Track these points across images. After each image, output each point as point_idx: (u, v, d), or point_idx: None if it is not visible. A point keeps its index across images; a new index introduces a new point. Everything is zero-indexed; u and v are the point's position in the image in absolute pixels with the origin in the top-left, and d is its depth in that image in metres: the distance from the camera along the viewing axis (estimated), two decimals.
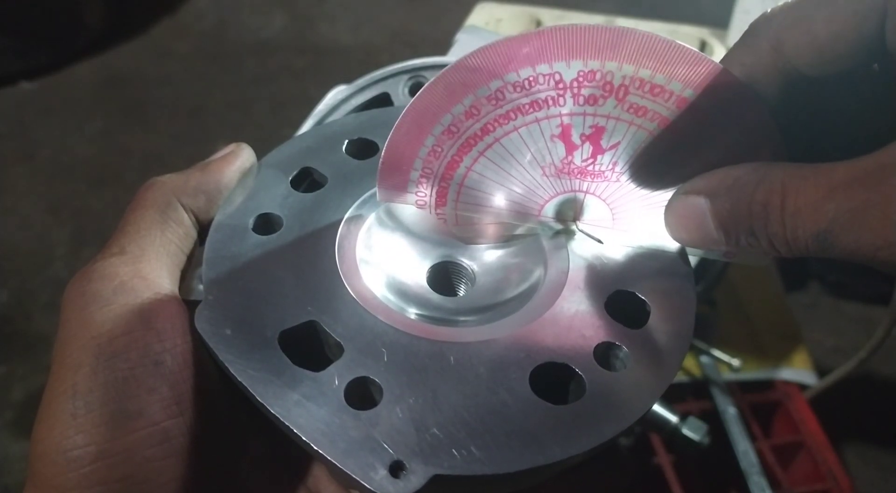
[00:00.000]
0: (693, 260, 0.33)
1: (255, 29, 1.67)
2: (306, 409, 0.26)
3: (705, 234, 0.29)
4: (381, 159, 0.32)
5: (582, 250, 0.33)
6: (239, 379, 0.27)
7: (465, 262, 0.34)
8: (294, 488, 0.32)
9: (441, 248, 0.35)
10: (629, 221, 0.33)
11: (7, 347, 1.04)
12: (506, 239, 0.35)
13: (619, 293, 0.31)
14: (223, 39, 1.64)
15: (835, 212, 0.24)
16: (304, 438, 0.26)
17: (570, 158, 0.32)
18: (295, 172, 0.35)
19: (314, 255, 0.32)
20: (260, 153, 0.36)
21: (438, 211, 0.34)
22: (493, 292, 0.33)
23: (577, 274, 0.32)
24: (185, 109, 1.44)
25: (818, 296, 1.08)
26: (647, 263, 0.33)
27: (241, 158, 0.35)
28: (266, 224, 0.33)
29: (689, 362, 0.79)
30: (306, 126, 0.58)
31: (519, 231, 0.35)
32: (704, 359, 0.79)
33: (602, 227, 0.34)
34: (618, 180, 0.33)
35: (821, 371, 0.83)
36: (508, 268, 0.34)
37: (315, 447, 0.25)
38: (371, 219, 0.34)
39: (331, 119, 0.55)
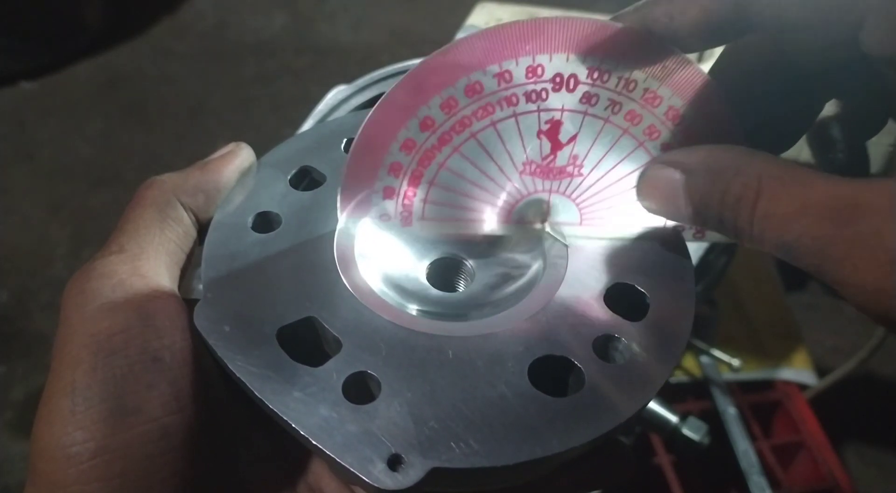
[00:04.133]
0: (694, 259, 0.33)
1: (255, 29, 1.67)
2: (304, 404, 0.26)
3: (675, 208, 0.29)
4: (350, 152, 0.31)
5: (581, 242, 0.33)
6: (237, 375, 0.27)
7: (464, 257, 0.34)
8: (294, 484, 0.32)
9: (440, 244, 0.35)
10: (598, 213, 0.33)
11: (7, 347, 1.04)
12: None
13: (618, 286, 0.31)
14: (223, 39, 1.64)
15: (800, 232, 0.24)
16: (302, 432, 0.26)
17: (528, 157, 0.32)
18: (294, 171, 0.35)
19: (312, 252, 0.32)
20: (260, 153, 0.36)
21: (404, 212, 0.33)
22: (492, 287, 0.33)
23: (576, 267, 0.32)
24: (186, 109, 1.44)
25: (818, 296, 1.08)
26: (646, 255, 0.33)
27: (241, 157, 0.35)
28: (265, 222, 0.33)
29: (689, 362, 0.79)
30: (306, 126, 0.58)
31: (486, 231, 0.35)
32: (704, 359, 0.79)
33: (571, 224, 0.34)
34: (580, 174, 0.33)
35: (821, 371, 0.84)
36: (507, 262, 0.34)
37: (313, 442, 0.25)
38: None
39: (331, 119, 0.55)
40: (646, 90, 0.30)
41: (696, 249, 0.62)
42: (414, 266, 0.34)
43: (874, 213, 0.23)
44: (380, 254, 0.34)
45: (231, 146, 0.35)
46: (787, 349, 0.85)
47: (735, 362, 0.79)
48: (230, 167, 0.34)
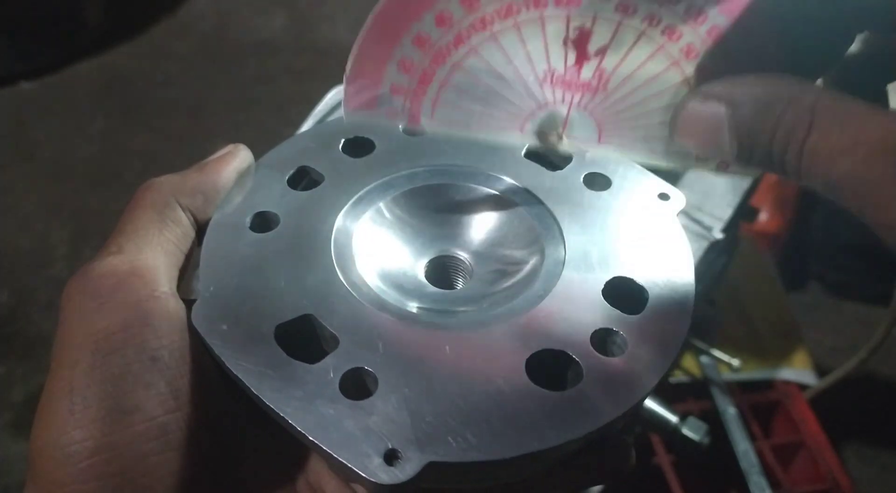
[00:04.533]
0: (694, 259, 0.33)
1: (255, 29, 1.67)
2: (301, 401, 0.26)
3: (716, 143, 0.27)
4: (358, 41, 0.30)
5: (579, 237, 0.33)
6: (235, 373, 0.27)
7: (462, 255, 0.34)
8: (293, 482, 0.32)
9: (437, 242, 0.35)
10: (618, 132, 0.32)
11: (7, 347, 1.04)
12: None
13: (616, 279, 0.31)
14: (223, 39, 1.64)
15: (848, 169, 0.23)
16: (299, 429, 0.26)
17: (552, 67, 0.30)
18: (292, 172, 0.35)
19: (310, 250, 0.32)
20: (260, 153, 0.36)
21: (412, 109, 0.31)
22: (490, 283, 0.34)
23: (574, 261, 0.32)
24: (185, 109, 1.44)
25: (818, 296, 1.08)
26: (645, 249, 0.33)
27: (239, 158, 0.35)
28: (263, 222, 0.33)
29: (689, 362, 0.79)
30: (306, 126, 0.58)
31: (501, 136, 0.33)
32: (704, 359, 0.79)
33: (588, 141, 0.32)
34: (604, 89, 0.31)
35: (821, 371, 0.84)
36: (505, 259, 0.34)
37: (310, 438, 0.25)
38: (367, 215, 0.34)
39: (331, 119, 0.55)
40: (691, 5, 0.28)
41: (696, 249, 0.62)
42: (412, 264, 0.34)
43: None
44: (377, 252, 0.34)
45: (229, 147, 0.35)
46: (787, 349, 0.86)
47: (735, 362, 0.79)
48: (228, 168, 0.34)
